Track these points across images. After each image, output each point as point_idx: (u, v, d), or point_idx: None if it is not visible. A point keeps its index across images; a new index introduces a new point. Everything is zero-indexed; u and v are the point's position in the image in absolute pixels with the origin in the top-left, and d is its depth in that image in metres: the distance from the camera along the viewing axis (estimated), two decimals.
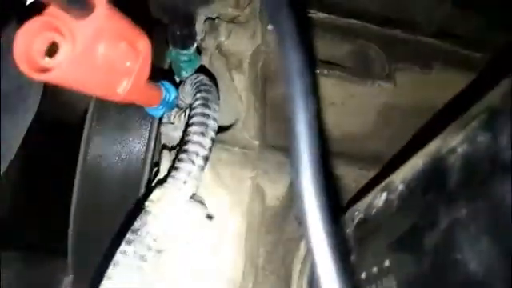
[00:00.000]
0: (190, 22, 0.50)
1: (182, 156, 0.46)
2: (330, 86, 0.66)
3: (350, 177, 0.71)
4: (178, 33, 0.50)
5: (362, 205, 0.47)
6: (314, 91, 0.27)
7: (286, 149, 0.61)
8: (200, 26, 0.70)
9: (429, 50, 0.72)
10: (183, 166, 0.45)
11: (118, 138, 0.77)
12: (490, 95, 0.32)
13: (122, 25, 0.35)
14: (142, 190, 0.78)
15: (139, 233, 0.44)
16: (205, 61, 0.69)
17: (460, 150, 0.31)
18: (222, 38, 0.67)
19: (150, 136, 0.77)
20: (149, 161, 0.79)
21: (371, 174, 0.71)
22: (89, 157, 0.75)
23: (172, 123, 0.64)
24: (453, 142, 0.32)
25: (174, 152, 0.59)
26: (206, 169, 0.51)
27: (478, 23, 0.79)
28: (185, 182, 0.45)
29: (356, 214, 0.46)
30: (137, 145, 0.78)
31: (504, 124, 0.28)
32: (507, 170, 0.26)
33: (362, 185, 0.70)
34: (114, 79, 0.37)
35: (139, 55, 0.39)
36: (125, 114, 0.69)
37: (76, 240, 0.71)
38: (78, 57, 0.31)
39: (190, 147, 0.46)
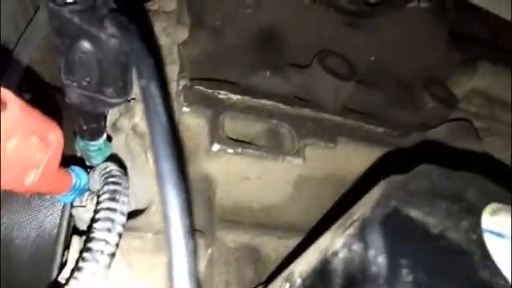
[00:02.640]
0: (97, 119, 0.51)
1: (86, 255, 0.45)
2: (244, 164, 0.69)
3: (270, 246, 0.74)
4: (85, 127, 0.51)
5: None
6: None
7: (203, 234, 0.62)
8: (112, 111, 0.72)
9: (334, 125, 0.79)
10: (87, 266, 0.44)
11: (28, 218, 0.74)
12: (365, 201, 0.36)
13: (33, 119, 0.36)
14: (54, 273, 0.75)
15: None
16: (120, 140, 0.70)
17: (341, 255, 0.34)
18: (137, 119, 0.68)
19: (62, 216, 0.75)
20: (61, 241, 0.76)
21: (290, 242, 0.75)
22: None
23: (83, 206, 0.63)
24: (336, 245, 0.35)
25: (83, 237, 0.58)
26: (118, 258, 0.50)
27: (378, 100, 0.89)
28: (89, 284, 0.44)
29: None
30: (48, 225, 0.75)
31: (373, 236, 0.31)
32: (375, 283, 0.29)
33: (282, 254, 0.73)
34: (21, 172, 0.37)
35: (50, 146, 0.39)
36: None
37: None
38: None
39: (94, 245, 0.45)
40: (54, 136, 0.39)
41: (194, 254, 0.26)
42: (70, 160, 0.57)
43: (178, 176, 0.27)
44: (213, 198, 0.70)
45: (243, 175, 0.71)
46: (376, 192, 0.36)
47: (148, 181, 0.64)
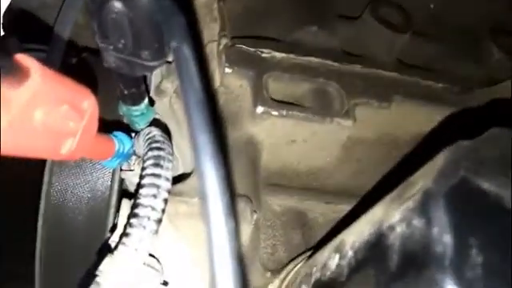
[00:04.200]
0: (137, 83, 0.49)
1: (133, 221, 0.45)
2: (290, 126, 0.66)
3: (317, 210, 0.72)
4: (126, 92, 0.49)
5: (320, 260, 0.47)
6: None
7: (249, 198, 0.60)
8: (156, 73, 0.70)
9: (388, 83, 0.73)
10: (134, 232, 0.44)
11: (80, 181, 0.76)
12: (426, 170, 0.32)
13: (61, 88, 0.35)
14: (108, 234, 0.77)
15: None
16: (165, 103, 0.69)
17: (399, 229, 0.31)
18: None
19: (113, 178, 0.76)
20: (113, 203, 0.78)
21: (339, 207, 0.72)
22: (52, 200, 0.74)
23: (132, 170, 0.63)
24: (392, 219, 0.32)
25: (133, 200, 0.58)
26: (165, 223, 0.50)
27: (437, 53, 0.81)
28: (136, 250, 0.44)
29: (314, 270, 0.46)
30: (100, 188, 0.77)
31: (437, 212, 0.28)
32: (439, 264, 0.26)
33: (330, 219, 0.71)
34: (56, 142, 0.37)
35: (84, 114, 0.38)
36: None
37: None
38: (13, 125, 0.30)
39: (140, 211, 0.45)
40: (89, 104, 0.38)
41: (233, 234, 0.24)
42: (113, 125, 0.57)
43: (215, 150, 0.25)
44: (258, 161, 0.68)
45: (289, 138, 0.68)
46: (440, 160, 0.32)
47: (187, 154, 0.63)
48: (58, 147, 0.37)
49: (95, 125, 0.41)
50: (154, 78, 0.72)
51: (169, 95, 0.68)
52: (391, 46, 0.75)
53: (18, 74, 0.30)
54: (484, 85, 0.77)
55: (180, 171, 0.69)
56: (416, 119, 0.74)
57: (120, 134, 0.52)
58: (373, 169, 0.73)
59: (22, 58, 0.31)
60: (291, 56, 0.70)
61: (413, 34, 0.77)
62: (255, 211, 0.59)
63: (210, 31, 0.73)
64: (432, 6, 0.84)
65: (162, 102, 0.70)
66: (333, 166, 0.73)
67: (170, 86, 0.67)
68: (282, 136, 0.67)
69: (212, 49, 0.70)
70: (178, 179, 0.59)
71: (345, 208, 0.70)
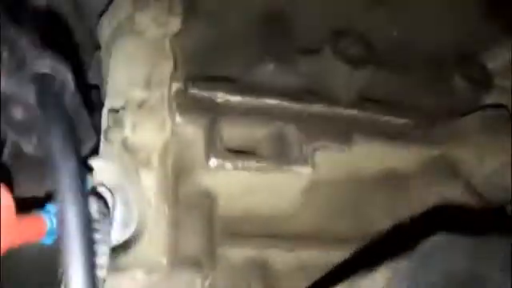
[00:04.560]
0: None
1: None
2: (246, 177, 0.63)
3: (280, 259, 0.69)
4: None
5: None
6: None
7: (199, 262, 0.57)
8: (104, 118, 0.66)
9: (348, 121, 0.70)
10: None
11: None
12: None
13: None
14: None
15: None
16: (112, 155, 0.65)
17: None
18: (128, 133, 0.62)
19: None
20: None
21: (303, 254, 0.69)
22: None
23: None
24: None
25: None
26: None
27: (399, 85, 0.78)
28: None
29: None
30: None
31: None
32: None
33: (293, 267, 0.68)
34: None
35: None
36: None
37: None
38: None
39: None
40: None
41: None
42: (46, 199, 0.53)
43: None
44: (213, 213, 0.65)
45: (246, 188, 0.65)
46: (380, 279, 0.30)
47: (140, 204, 0.60)
48: None
49: (11, 215, 0.37)
50: (102, 123, 0.67)
51: (116, 144, 0.64)
52: (351, 82, 0.73)
53: None
54: (447, 118, 0.76)
55: (134, 223, 0.66)
56: (378, 157, 0.72)
57: (50, 209, 0.48)
58: (337, 210, 0.71)
59: None
60: (247, 99, 0.66)
61: (374, 66, 0.74)
62: (206, 277, 0.56)
63: (160, 72, 0.68)
64: (395, 33, 0.82)
65: (110, 149, 0.66)
66: (293, 210, 0.70)
67: (117, 136, 0.63)
68: (238, 187, 0.64)
69: (162, 94, 0.66)
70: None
71: (308, 255, 0.68)
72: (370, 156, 0.71)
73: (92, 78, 0.99)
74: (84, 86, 0.33)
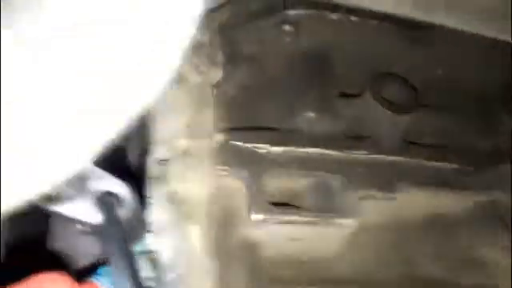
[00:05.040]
0: None
1: None
2: (291, 229, 0.63)
3: None
4: None
5: None
6: None
7: None
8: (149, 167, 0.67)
9: (393, 169, 0.69)
10: None
11: None
12: None
13: None
14: None
15: None
16: (157, 209, 0.66)
17: None
18: (173, 185, 0.63)
19: None
20: None
21: None
22: None
23: None
24: None
25: None
26: None
27: (445, 126, 0.76)
28: None
29: None
30: None
31: None
32: None
33: None
34: None
35: None
36: None
37: None
38: None
39: None
40: None
41: None
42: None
43: None
44: (257, 264, 0.64)
45: (290, 237, 0.64)
46: None
47: (187, 250, 0.60)
48: None
49: None
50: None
51: (162, 194, 0.65)
52: (394, 127, 0.71)
53: None
54: (495, 161, 0.73)
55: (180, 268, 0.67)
56: (424, 204, 0.70)
57: (100, 273, 0.50)
58: (381, 257, 0.70)
59: None
60: (288, 149, 0.66)
61: (418, 109, 0.73)
62: None
63: (203, 120, 0.69)
64: (440, 71, 0.80)
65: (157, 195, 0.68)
66: (337, 255, 0.69)
67: (163, 187, 0.64)
68: (281, 237, 0.64)
69: (206, 143, 0.67)
70: None
71: None
72: (416, 203, 0.69)
73: None
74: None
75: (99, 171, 0.33)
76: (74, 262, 0.57)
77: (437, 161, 0.71)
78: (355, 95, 0.74)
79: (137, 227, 0.42)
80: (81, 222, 0.33)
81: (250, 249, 0.64)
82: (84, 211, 0.33)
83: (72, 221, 0.33)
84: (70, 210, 0.32)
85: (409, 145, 0.72)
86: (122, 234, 0.32)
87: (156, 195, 0.65)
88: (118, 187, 0.34)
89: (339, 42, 0.76)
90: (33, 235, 0.61)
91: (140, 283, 0.35)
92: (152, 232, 0.62)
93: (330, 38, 0.76)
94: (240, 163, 0.64)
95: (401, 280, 0.68)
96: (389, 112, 0.70)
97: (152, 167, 0.66)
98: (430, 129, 0.74)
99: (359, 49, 0.77)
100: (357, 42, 0.77)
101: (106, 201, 0.33)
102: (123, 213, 0.34)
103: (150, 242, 0.61)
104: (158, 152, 0.67)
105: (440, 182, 0.70)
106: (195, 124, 0.70)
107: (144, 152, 0.64)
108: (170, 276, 0.59)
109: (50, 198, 0.31)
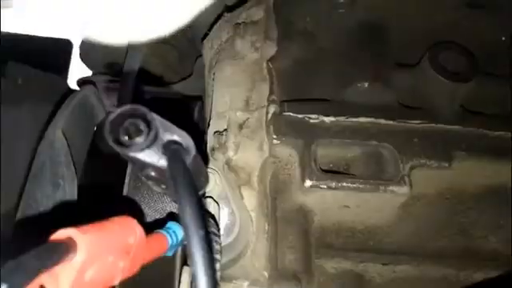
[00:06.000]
0: None
1: None
2: (341, 196, 0.65)
3: (375, 272, 0.70)
4: None
5: None
6: None
7: (298, 275, 0.61)
8: (209, 138, 0.73)
9: (449, 138, 0.68)
10: None
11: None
12: None
13: (105, 245, 0.38)
14: None
15: None
16: (217, 177, 0.71)
17: None
18: (231, 153, 0.68)
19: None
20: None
21: (398, 267, 0.69)
22: None
23: None
24: None
25: None
26: None
27: (506, 95, 0.73)
28: None
29: None
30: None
31: None
32: None
33: (389, 279, 0.69)
34: (108, 280, 0.40)
35: (131, 248, 0.41)
36: None
37: None
38: None
39: None
40: (134, 238, 0.41)
41: None
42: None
43: None
44: (309, 227, 0.68)
45: (341, 204, 0.67)
46: None
47: (244, 221, 0.65)
48: (110, 282, 0.41)
49: (143, 247, 0.43)
50: (209, 142, 0.74)
51: (221, 163, 0.70)
52: (453, 96, 0.70)
53: (65, 250, 0.34)
54: None
55: (236, 229, 0.71)
56: (482, 173, 0.69)
57: (172, 226, 0.55)
58: (435, 226, 0.70)
59: (67, 232, 0.35)
60: (340, 119, 0.68)
61: (478, 78, 0.70)
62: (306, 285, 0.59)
63: (259, 94, 0.73)
64: (504, 38, 0.76)
65: (216, 167, 0.73)
66: (390, 224, 0.70)
67: (221, 156, 0.69)
68: (333, 203, 0.66)
69: (261, 115, 0.70)
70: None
71: (404, 269, 0.68)
72: (473, 172, 0.68)
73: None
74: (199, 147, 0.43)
75: (167, 123, 0.39)
76: (145, 214, 0.64)
77: (496, 130, 0.69)
78: (411, 65, 0.73)
79: (199, 177, 0.46)
80: (154, 167, 0.38)
81: (303, 214, 0.67)
82: (156, 158, 0.38)
83: (146, 166, 0.39)
84: (145, 156, 0.38)
85: (467, 113, 0.71)
86: (191, 178, 0.37)
87: (215, 164, 0.70)
88: (184, 137, 0.40)
89: (395, 11, 0.75)
90: (108, 182, 0.70)
91: (208, 230, 0.40)
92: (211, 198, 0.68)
93: (386, 8, 0.75)
94: (293, 133, 0.67)
95: (456, 252, 0.68)
96: (447, 81, 0.69)
97: (211, 138, 0.72)
98: (490, 97, 0.72)
99: (416, 18, 0.76)
100: (414, 11, 0.76)
101: (174, 148, 0.38)
102: (188, 161, 0.39)
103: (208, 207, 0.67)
104: (217, 124, 0.72)
105: (500, 150, 0.68)
106: (251, 97, 0.74)
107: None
108: (227, 239, 0.64)
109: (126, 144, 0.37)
